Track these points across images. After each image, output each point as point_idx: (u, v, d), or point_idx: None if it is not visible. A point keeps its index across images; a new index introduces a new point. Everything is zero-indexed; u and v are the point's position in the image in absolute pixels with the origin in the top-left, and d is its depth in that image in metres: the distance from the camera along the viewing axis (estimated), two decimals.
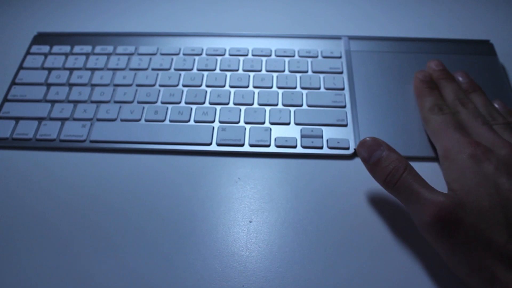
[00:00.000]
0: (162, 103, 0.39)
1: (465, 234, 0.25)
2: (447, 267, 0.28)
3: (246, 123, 0.38)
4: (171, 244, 0.31)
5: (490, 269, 0.24)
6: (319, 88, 0.40)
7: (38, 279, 0.30)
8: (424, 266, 0.30)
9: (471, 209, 0.26)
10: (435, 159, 0.35)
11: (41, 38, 0.45)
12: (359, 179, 0.34)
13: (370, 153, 0.30)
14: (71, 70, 0.42)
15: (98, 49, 0.44)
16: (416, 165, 0.35)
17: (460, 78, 0.38)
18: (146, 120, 0.38)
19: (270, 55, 0.43)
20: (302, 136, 0.36)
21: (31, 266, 0.30)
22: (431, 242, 0.27)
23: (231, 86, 0.40)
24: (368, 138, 0.30)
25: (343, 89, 0.40)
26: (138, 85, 0.41)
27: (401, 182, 0.28)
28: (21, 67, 0.43)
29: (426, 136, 0.36)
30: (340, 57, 0.42)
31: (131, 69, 0.42)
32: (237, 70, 0.42)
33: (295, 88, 0.40)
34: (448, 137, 0.31)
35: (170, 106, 0.39)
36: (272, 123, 0.38)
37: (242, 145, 0.36)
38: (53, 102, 0.40)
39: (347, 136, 0.36)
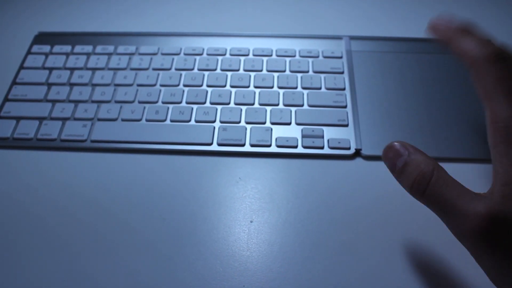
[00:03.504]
0: (163, 103, 0.39)
1: None
2: (441, 273, 0.28)
3: (247, 123, 0.38)
4: (172, 244, 0.31)
5: None
6: (320, 88, 0.40)
7: (38, 279, 0.30)
8: (425, 267, 0.29)
9: None
10: (436, 159, 0.35)
11: (42, 38, 0.45)
12: (360, 179, 0.34)
13: (394, 160, 0.26)
14: (72, 70, 0.42)
15: (99, 49, 0.44)
16: None
17: None
18: (147, 120, 0.38)
19: (271, 55, 0.43)
20: (303, 136, 0.36)
21: (32, 267, 0.30)
22: (473, 253, 0.24)
23: (232, 86, 0.40)
24: (391, 144, 0.26)
25: (344, 89, 0.40)
26: (139, 85, 0.41)
27: (430, 191, 0.24)
28: (22, 67, 0.43)
29: (427, 135, 0.36)
30: (341, 57, 0.42)
31: (132, 69, 0.42)
32: (238, 70, 0.42)
33: (296, 88, 0.40)
34: None
35: (171, 106, 0.39)
36: (273, 123, 0.37)
37: (243, 145, 0.36)
38: (54, 101, 0.40)
39: (348, 136, 0.36)
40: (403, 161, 0.25)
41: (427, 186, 0.24)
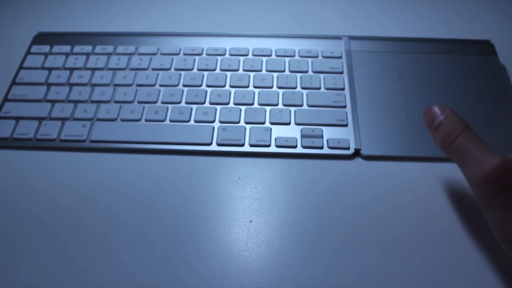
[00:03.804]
0: (163, 103, 0.39)
1: None
2: (447, 270, 0.28)
3: (247, 123, 0.38)
4: (171, 244, 0.31)
5: None
6: (319, 88, 0.40)
7: (37, 278, 0.30)
8: (425, 266, 0.30)
9: None
10: (435, 159, 0.35)
11: (42, 38, 0.45)
12: (359, 179, 0.34)
13: (432, 119, 0.30)
14: (72, 70, 0.42)
15: (98, 49, 0.44)
16: (417, 165, 0.35)
17: None
18: (146, 120, 0.38)
19: (270, 55, 0.43)
20: (303, 136, 0.36)
21: (32, 266, 0.30)
22: (481, 199, 0.27)
23: (231, 86, 0.40)
24: (432, 107, 0.30)
25: (343, 89, 0.40)
26: (138, 85, 0.41)
27: (456, 143, 0.28)
28: (21, 67, 0.43)
29: (427, 135, 0.36)
30: (340, 57, 0.42)
31: (131, 69, 0.42)
32: (237, 70, 0.42)
33: (295, 88, 0.40)
34: None
35: (170, 106, 0.39)
36: (272, 123, 0.37)
37: (243, 145, 0.36)
38: (53, 102, 0.40)
39: (347, 136, 0.36)
40: (439, 121, 0.29)
41: (454, 140, 0.28)
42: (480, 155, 0.26)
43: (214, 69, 0.42)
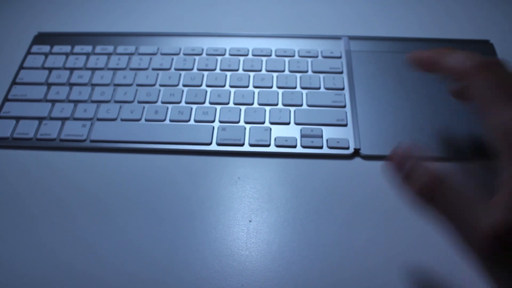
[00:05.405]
0: (162, 102, 0.39)
1: None
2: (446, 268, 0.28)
3: (246, 122, 0.38)
4: (170, 243, 0.31)
5: None
6: (319, 88, 0.40)
7: (36, 278, 0.30)
8: (423, 267, 0.30)
9: None
10: (434, 159, 0.35)
11: (42, 38, 0.46)
12: (359, 178, 0.34)
13: (401, 164, 0.25)
14: (72, 70, 0.42)
15: (98, 49, 0.44)
16: None
17: None
18: (146, 120, 0.38)
19: (270, 55, 0.43)
20: (302, 136, 0.37)
21: (31, 268, 0.30)
22: (482, 266, 0.22)
23: (231, 86, 0.40)
24: (399, 147, 0.25)
25: (343, 89, 0.40)
26: (138, 85, 0.41)
27: (439, 197, 0.23)
28: (21, 67, 0.43)
29: (426, 135, 0.36)
30: (340, 57, 0.42)
31: (131, 69, 0.42)
32: (237, 70, 0.42)
33: (295, 88, 0.40)
34: None
35: (170, 105, 0.39)
36: (272, 123, 0.38)
37: (242, 144, 0.36)
38: (53, 101, 0.40)
39: (347, 136, 0.36)
40: (410, 166, 0.24)
41: (435, 193, 0.23)
42: (470, 216, 0.22)
43: (214, 69, 0.42)
